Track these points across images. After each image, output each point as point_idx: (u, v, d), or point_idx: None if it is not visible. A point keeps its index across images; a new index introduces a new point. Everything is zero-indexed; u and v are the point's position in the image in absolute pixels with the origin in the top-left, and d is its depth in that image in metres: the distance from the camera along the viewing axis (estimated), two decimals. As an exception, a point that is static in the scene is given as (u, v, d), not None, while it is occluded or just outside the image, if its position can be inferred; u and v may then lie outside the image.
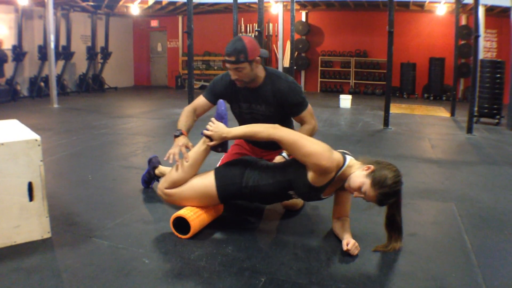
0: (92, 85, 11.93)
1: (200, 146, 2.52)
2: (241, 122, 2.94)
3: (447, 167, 4.19)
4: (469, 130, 6.16)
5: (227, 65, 2.60)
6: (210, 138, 2.44)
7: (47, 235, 2.35)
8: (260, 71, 2.72)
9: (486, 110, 7.14)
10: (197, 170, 2.55)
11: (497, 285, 1.97)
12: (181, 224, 2.43)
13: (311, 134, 2.80)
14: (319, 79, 12.69)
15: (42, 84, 10.26)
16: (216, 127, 2.40)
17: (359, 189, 2.17)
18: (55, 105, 8.50)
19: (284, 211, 2.87)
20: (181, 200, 2.52)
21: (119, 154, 4.59)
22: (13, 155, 2.21)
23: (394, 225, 2.26)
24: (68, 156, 4.39)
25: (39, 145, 2.29)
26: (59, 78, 10.64)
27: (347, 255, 2.22)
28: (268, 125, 2.33)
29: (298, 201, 2.84)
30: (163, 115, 7.64)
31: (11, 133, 2.39)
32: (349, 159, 2.28)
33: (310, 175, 2.23)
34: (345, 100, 9.07)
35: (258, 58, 2.62)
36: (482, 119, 7.26)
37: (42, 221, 2.33)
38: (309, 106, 2.83)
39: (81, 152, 4.54)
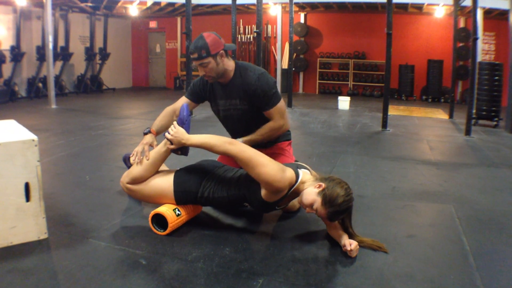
0: (90, 86, 11.92)
1: (161, 147, 2.57)
2: (222, 120, 3.04)
3: (446, 169, 4.19)
4: (468, 132, 6.17)
5: (193, 62, 2.71)
6: (170, 141, 2.48)
7: (44, 236, 2.33)
8: (229, 65, 2.78)
9: (484, 112, 7.16)
10: (157, 169, 2.60)
11: (496, 287, 1.96)
12: (160, 221, 2.49)
13: (273, 133, 2.88)
14: (318, 81, 12.70)
15: (40, 84, 10.25)
16: (176, 132, 2.42)
17: (310, 206, 2.24)
18: (53, 106, 8.48)
19: (281, 212, 2.86)
20: (142, 197, 2.62)
21: (116, 155, 4.58)
22: (9, 155, 2.19)
23: (347, 232, 2.36)
24: (65, 156, 4.37)
25: (36, 146, 2.28)
26: (57, 78, 10.63)
27: (345, 256, 2.22)
28: (226, 140, 2.34)
29: (296, 203, 2.83)
30: (161, 116, 7.61)
31: (8, 133, 2.37)
32: (302, 175, 2.35)
33: (263, 192, 2.29)
34: (344, 102, 9.07)
35: (221, 51, 2.70)
36: (481, 121, 7.27)
37: (39, 222, 2.31)
38: (281, 103, 2.86)
39: (78, 153, 4.52)
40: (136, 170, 2.56)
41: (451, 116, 8.06)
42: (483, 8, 9.30)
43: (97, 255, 2.17)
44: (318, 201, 2.20)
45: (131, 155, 2.68)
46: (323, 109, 8.70)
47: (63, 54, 10.94)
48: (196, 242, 2.35)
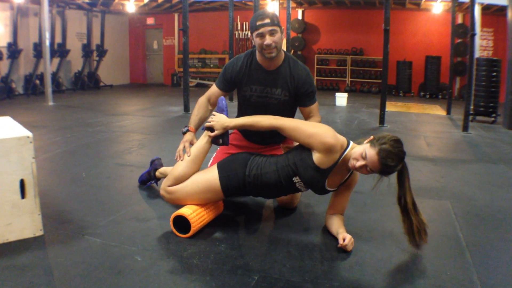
0: (87, 83, 11.89)
1: (202, 139, 2.54)
2: (250, 108, 2.87)
3: (443, 165, 4.19)
4: (465, 128, 6.17)
5: (261, 30, 2.57)
6: (211, 129, 2.47)
7: (39, 232, 2.33)
8: (281, 50, 2.74)
9: (482, 109, 7.16)
10: (199, 165, 2.54)
11: (492, 283, 1.96)
12: (181, 223, 2.39)
13: None
14: (315, 77, 12.67)
15: (37, 81, 10.21)
16: (217, 118, 2.45)
17: (360, 155, 2.14)
18: (50, 103, 8.45)
19: (277, 209, 2.85)
20: (184, 196, 2.47)
21: (113, 151, 4.57)
22: (4, 152, 2.18)
23: (407, 209, 2.23)
24: (62, 153, 4.36)
25: (31, 142, 2.26)
26: (54, 75, 10.58)
27: (341, 253, 2.21)
28: (269, 116, 2.41)
29: (294, 198, 2.82)
30: (158, 112, 7.61)
31: (3, 130, 2.36)
32: (352, 143, 2.31)
33: (316, 156, 2.24)
34: (341, 98, 9.07)
35: (283, 29, 2.69)
36: (478, 118, 7.27)
37: (34, 219, 2.31)
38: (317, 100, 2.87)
39: (75, 150, 4.51)
40: (178, 169, 2.50)
41: (448, 112, 8.06)
42: (481, 4, 9.29)
43: (92, 252, 2.17)
44: (367, 147, 2.13)
45: (175, 157, 2.57)
46: (321, 106, 8.67)
47: (60, 51, 10.90)
48: (191, 239, 2.35)
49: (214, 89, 2.88)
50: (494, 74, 7.04)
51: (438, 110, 8.70)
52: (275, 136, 2.70)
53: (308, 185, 2.37)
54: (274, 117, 2.38)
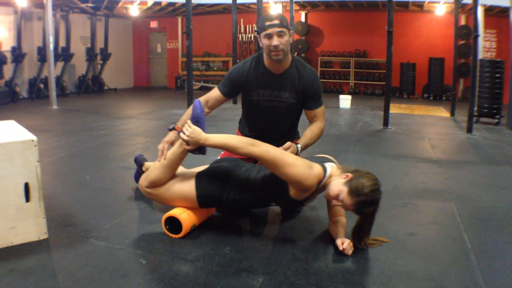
0: (91, 87, 11.92)
1: (177, 147, 2.44)
2: (256, 113, 2.85)
3: (447, 167, 4.17)
4: (469, 130, 6.15)
5: (269, 30, 2.55)
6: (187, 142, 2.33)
7: (44, 236, 2.33)
8: (289, 53, 2.71)
9: (486, 110, 7.13)
10: (174, 170, 2.49)
11: (497, 285, 1.95)
12: (174, 224, 2.42)
13: (321, 133, 2.84)
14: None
15: (42, 85, 10.26)
16: (192, 133, 2.24)
17: (336, 197, 2.17)
18: (54, 107, 8.48)
19: (282, 211, 2.85)
20: (162, 200, 2.51)
21: (117, 155, 4.58)
22: (9, 155, 2.19)
23: (360, 233, 2.28)
24: (66, 157, 4.37)
25: (35, 146, 2.27)
26: (59, 79, 10.63)
27: (345, 255, 2.20)
28: (247, 141, 2.23)
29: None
30: (162, 116, 7.63)
31: (8, 133, 2.37)
32: (329, 169, 2.27)
33: (292, 191, 2.24)
34: (345, 100, 9.06)
35: (292, 32, 2.66)
36: (482, 119, 7.24)
37: (39, 222, 2.31)
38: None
39: (79, 153, 4.52)
40: (153, 172, 2.46)
41: (452, 114, 8.03)
42: (484, 5, 9.27)
43: (97, 255, 2.17)
44: (344, 191, 2.12)
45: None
46: (325, 108, 8.64)
47: (64, 55, 10.94)
48: (196, 241, 2.35)
49: (215, 92, 2.82)
50: (498, 75, 7.01)
51: (442, 112, 8.67)
52: (276, 142, 2.65)
53: (285, 209, 2.60)
54: (253, 143, 2.20)
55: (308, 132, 2.79)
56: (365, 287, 1.93)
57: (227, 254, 2.20)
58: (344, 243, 2.21)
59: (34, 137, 2.29)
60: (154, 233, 2.46)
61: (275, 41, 2.56)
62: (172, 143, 2.54)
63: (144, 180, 2.51)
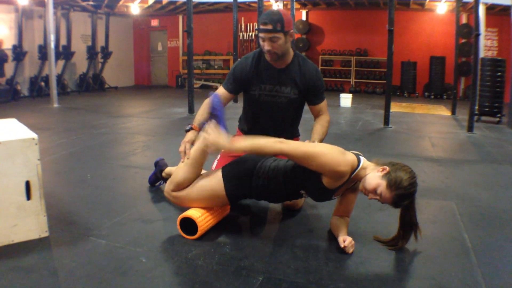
0: (92, 85, 11.93)
1: (200, 144, 2.44)
2: (257, 108, 2.86)
3: (448, 166, 4.17)
4: (470, 128, 6.15)
5: (262, 34, 2.55)
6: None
7: (45, 234, 2.34)
8: (290, 49, 2.71)
9: (487, 109, 7.13)
10: (200, 168, 2.48)
11: (497, 284, 1.95)
12: (187, 224, 2.39)
13: (328, 126, 2.83)
14: (320, 78, 12.66)
15: (43, 83, 10.26)
16: (213, 136, 2.21)
17: (374, 190, 2.13)
18: (55, 105, 8.49)
19: (282, 210, 2.85)
20: (189, 202, 2.44)
21: (118, 153, 4.59)
22: (10, 154, 2.20)
23: (410, 226, 2.25)
24: (67, 155, 4.38)
25: (36, 144, 2.28)
26: (60, 77, 10.64)
27: (346, 254, 2.21)
28: (274, 140, 2.20)
29: (299, 201, 2.82)
30: (163, 114, 7.63)
31: (8, 132, 2.38)
32: (363, 160, 2.24)
33: (325, 179, 2.18)
34: (346, 99, 9.06)
35: (292, 31, 2.62)
36: (483, 118, 7.24)
37: (40, 220, 2.32)
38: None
39: (80, 151, 4.53)
40: (178, 174, 2.43)
41: (453, 112, 8.03)
42: (485, 4, 9.25)
43: (97, 253, 2.18)
44: (382, 185, 2.09)
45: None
46: (325, 107, 8.66)
47: (65, 53, 10.95)
48: (196, 240, 2.35)
49: (221, 91, 2.82)
50: (499, 74, 7.01)
51: (442, 111, 8.67)
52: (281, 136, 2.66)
53: (314, 199, 2.41)
54: (281, 142, 2.18)
55: (318, 127, 2.78)
56: (365, 286, 1.93)
57: (227, 253, 2.21)
58: (346, 241, 2.20)
59: (35, 135, 2.30)
60: (154, 231, 2.46)
61: (267, 46, 2.58)
62: (192, 143, 2.54)
63: (169, 184, 2.49)
